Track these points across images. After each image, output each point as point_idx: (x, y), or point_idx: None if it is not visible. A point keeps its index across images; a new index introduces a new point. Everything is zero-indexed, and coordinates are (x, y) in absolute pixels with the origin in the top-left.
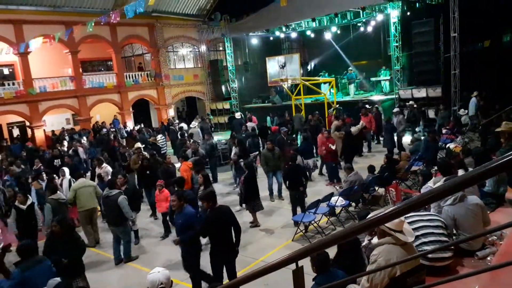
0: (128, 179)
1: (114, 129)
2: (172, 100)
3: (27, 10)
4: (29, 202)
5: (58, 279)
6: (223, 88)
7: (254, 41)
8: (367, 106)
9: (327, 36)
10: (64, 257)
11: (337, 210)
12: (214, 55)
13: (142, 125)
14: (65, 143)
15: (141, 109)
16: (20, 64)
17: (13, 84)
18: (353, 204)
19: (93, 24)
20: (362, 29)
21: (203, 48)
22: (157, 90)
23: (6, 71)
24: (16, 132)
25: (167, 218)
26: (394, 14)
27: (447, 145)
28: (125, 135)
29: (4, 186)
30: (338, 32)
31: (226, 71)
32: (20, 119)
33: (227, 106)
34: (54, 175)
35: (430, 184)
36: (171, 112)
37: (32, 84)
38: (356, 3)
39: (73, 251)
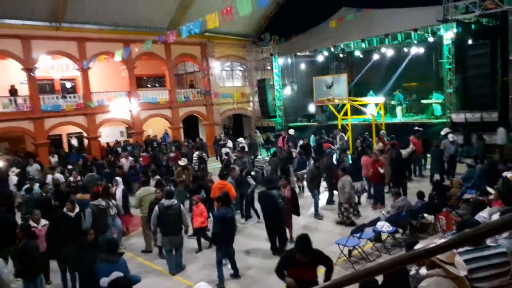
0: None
1: (164, 143)
2: (220, 117)
3: (90, 29)
4: (76, 210)
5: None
6: (269, 106)
7: (302, 60)
8: (417, 128)
9: (376, 56)
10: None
11: (383, 236)
12: (262, 74)
13: (190, 140)
14: (123, 154)
15: (191, 125)
16: (81, 78)
17: (74, 97)
18: (400, 230)
19: (151, 42)
20: (413, 50)
21: (252, 67)
22: (206, 107)
23: (68, 85)
24: (74, 142)
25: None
26: (448, 35)
27: (503, 174)
28: (174, 149)
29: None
30: (388, 52)
31: (272, 90)
32: (78, 130)
33: (272, 124)
34: (110, 184)
35: (484, 214)
36: (219, 129)
37: (90, 97)
38: (407, 25)
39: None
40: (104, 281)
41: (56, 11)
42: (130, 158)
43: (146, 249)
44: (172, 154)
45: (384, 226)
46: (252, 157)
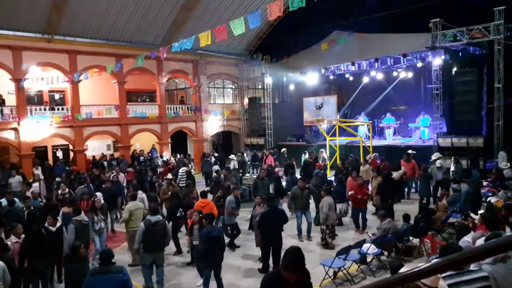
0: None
1: (150, 158)
2: (209, 133)
3: (82, 42)
4: (58, 224)
5: None
6: (259, 124)
7: (292, 80)
8: (410, 152)
9: (366, 79)
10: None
11: (369, 258)
12: (253, 93)
13: (180, 156)
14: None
15: (179, 141)
16: (70, 91)
17: (63, 109)
18: (386, 253)
19: (143, 58)
20: (402, 74)
21: (243, 85)
22: (196, 123)
23: (57, 96)
24: (59, 154)
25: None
26: (436, 62)
27: (488, 199)
28: (160, 164)
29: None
30: (377, 76)
31: (263, 108)
32: (64, 142)
33: (261, 141)
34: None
35: (468, 239)
36: (207, 145)
37: (79, 110)
38: (397, 50)
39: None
40: None
41: (49, 23)
42: (114, 173)
43: (133, 263)
44: (160, 169)
45: (369, 248)
46: (241, 174)
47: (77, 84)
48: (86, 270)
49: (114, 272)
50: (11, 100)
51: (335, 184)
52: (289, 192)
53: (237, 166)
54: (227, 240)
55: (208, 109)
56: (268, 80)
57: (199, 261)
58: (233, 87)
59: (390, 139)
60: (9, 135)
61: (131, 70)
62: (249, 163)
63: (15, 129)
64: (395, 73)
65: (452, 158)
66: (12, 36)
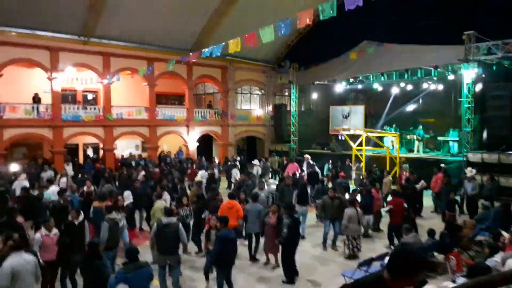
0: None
1: (179, 159)
2: (235, 138)
3: (116, 45)
4: (80, 218)
5: None
6: (284, 131)
7: (319, 89)
8: (442, 166)
9: (395, 90)
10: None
11: None
12: (279, 99)
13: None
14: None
15: (205, 144)
16: (103, 91)
17: (95, 109)
18: None
19: (174, 63)
20: (432, 86)
21: (269, 91)
22: (222, 128)
23: (90, 96)
24: (90, 152)
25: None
26: (468, 75)
27: None
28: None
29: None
30: (407, 87)
31: (288, 115)
32: (95, 140)
33: (285, 148)
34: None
35: (497, 259)
36: (232, 150)
37: (110, 110)
38: (428, 62)
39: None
40: None
41: (86, 26)
42: (142, 173)
43: (154, 261)
44: (188, 171)
45: None
46: (263, 180)
47: (109, 85)
48: (102, 266)
49: (144, 266)
50: (46, 98)
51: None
52: (317, 201)
53: (260, 172)
54: (243, 249)
55: (234, 114)
56: (295, 88)
57: (209, 263)
58: (260, 93)
59: (420, 151)
60: (43, 131)
61: (162, 73)
62: (270, 170)
63: (50, 126)
64: (425, 85)
65: (487, 175)
66: (50, 38)
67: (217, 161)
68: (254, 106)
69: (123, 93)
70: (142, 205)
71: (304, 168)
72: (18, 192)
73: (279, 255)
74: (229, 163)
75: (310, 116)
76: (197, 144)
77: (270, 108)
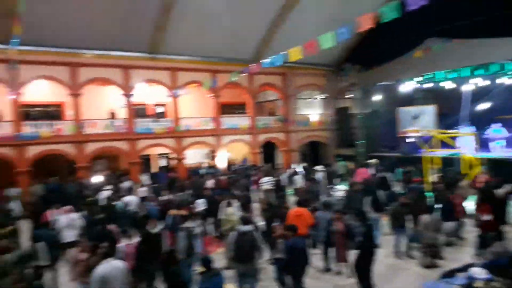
0: None
1: (244, 167)
2: (297, 143)
3: (182, 59)
4: (159, 228)
5: None
6: (348, 135)
7: (383, 90)
8: None
9: (466, 87)
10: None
11: (477, 283)
12: (342, 103)
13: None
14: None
15: (269, 151)
16: (172, 104)
17: (165, 121)
18: (497, 279)
19: (237, 74)
20: (508, 81)
21: (331, 95)
22: (285, 134)
23: (160, 110)
24: (162, 162)
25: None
26: None
27: None
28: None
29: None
30: (480, 83)
31: (352, 118)
32: (166, 151)
33: (351, 152)
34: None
35: None
36: (296, 155)
37: (179, 122)
38: (502, 55)
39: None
40: None
41: (154, 44)
42: (211, 181)
43: (228, 266)
44: (253, 178)
45: (479, 273)
46: (330, 187)
47: (177, 98)
48: (179, 272)
49: (218, 274)
50: (122, 113)
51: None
52: (387, 208)
53: (324, 178)
54: (316, 258)
55: (296, 120)
56: (357, 90)
57: (280, 273)
58: (321, 97)
59: (501, 151)
60: (120, 144)
61: (225, 84)
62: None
63: (125, 139)
64: (499, 80)
65: None
66: (122, 57)
67: (281, 168)
68: (315, 110)
69: (190, 105)
70: (213, 212)
71: (373, 173)
72: (103, 202)
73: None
74: (293, 169)
75: (375, 118)
76: (261, 151)
77: (332, 112)
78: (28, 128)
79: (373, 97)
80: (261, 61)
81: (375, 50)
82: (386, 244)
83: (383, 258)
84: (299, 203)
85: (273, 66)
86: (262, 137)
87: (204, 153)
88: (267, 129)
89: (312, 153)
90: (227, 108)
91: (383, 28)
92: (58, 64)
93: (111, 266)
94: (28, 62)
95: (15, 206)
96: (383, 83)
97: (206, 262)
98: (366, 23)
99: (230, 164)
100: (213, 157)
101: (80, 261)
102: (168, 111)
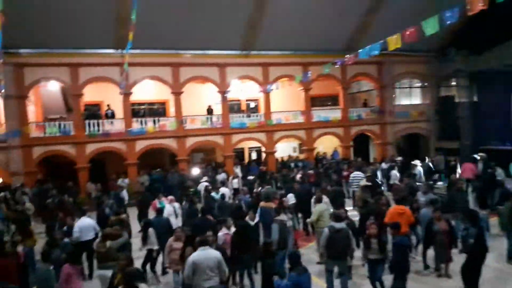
0: None
1: (333, 161)
2: (394, 136)
3: (273, 55)
4: (256, 220)
5: None
6: (452, 126)
7: (494, 76)
8: None
9: None
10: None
11: None
12: (445, 91)
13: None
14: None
15: (361, 144)
16: (264, 99)
17: (257, 116)
18: None
19: (330, 66)
20: None
21: (432, 84)
22: (380, 126)
23: (252, 105)
24: (254, 155)
25: None
26: None
27: None
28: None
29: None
30: None
31: (457, 108)
32: (257, 144)
33: (454, 145)
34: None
35: None
36: (391, 149)
37: (270, 116)
38: None
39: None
40: None
41: (247, 41)
42: (299, 174)
43: (320, 261)
44: (345, 173)
45: None
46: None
47: (268, 93)
48: (274, 264)
49: (307, 271)
50: (217, 109)
51: None
52: (500, 207)
53: (422, 173)
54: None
55: (393, 111)
56: (463, 77)
57: (373, 273)
58: (421, 86)
59: None
60: (216, 139)
61: (316, 77)
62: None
63: (221, 134)
64: None
65: None
66: (218, 55)
67: (375, 162)
68: (415, 100)
69: (280, 99)
70: (303, 207)
71: (480, 168)
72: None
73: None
74: (388, 164)
75: (483, 108)
76: (353, 144)
77: (434, 101)
78: (136, 124)
79: (482, 84)
80: (357, 51)
81: (484, 33)
82: (495, 247)
83: (492, 262)
84: (399, 201)
85: (370, 56)
86: (355, 130)
87: (294, 147)
88: (360, 121)
89: (410, 146)
90: (318, 101)
91: (493, 8)
92: (162, 65)
93: (205, 255)
94: (136, 64)
95: (126, 195)
96: (493, 68)
97: (295, 258)
98: (477, 5)
99: (320, 158)
100: (303, 151)
101: (175, 249)
102: (259, 105)
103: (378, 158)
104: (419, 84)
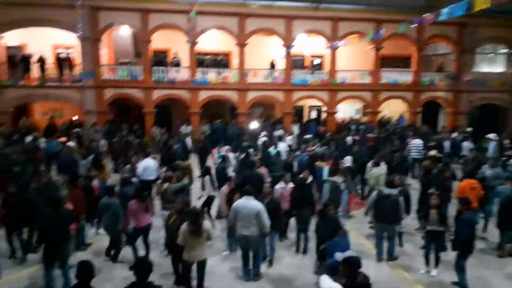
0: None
1: (399, 126)
2: (469, 105)
3: (344, 9)
4: (310, 179)
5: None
6: None
7: None
8: None
9: None
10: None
11: None
12: None
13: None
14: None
15: (430, 111)
16: (329, 56)
17: (320, 73)
18: None
19: (406, 25)
20: None
21: None
22: (454, 94)
23: (317, 61)
24: (313, 114)
25: None
26: None
27: None
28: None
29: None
30: None
31: None
32: (318, 103)
33: None
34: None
35: None
36: (463, 119)
37: (335, 75)
38: None
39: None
40: (339, 256)
41: None
42: (353, 137)
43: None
44: (408, 140)
45: None
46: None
47: (335, 50)
48: (329, 225)
49: (346, 235)
50: (281, 64)
51: None
52: None
53: (494, 149)
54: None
55: (471, 78)
56: None
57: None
58: (508, 53)
59: None
60: (276, 94)
61: (389, 35)
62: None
63: (282, 90)
64: None
65: None
66: (286, 7)
67: (443, 131)
68: (497, 68)
69: (347, 57)
70: (360, 170)
71: None
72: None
73: None
74: (461, 134)
75: None
76: (421, 111)
77: None
78: (200, 74)
79: None
80: (437, 10)
81: None
82: None
83: None
84: (469, 174)
85: (452, 16)
86: (425, 95)
87: (357, 108)
88: (432, 86)
89: (486, 118)
90: (387, 61)
91: None
92: (229, 15)
93: (246, 204)
94: (204, 13)
95: (190, 142)
96: None
97: (335, 222)
98: None
99: (384, 122)
100: (366, 114)
101: (224, 194)
102: (324, 63)
103: (447, 128)
104: (504, 51)
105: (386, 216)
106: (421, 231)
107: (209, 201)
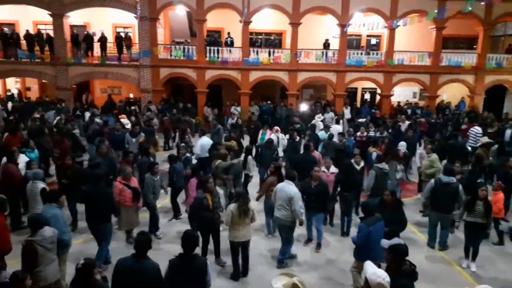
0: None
1: (458, 112)
2: None
3: None
4: (362, 164)
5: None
6: None
7: None
8: None
9: None
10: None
11: None
12: None
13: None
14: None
15: (495, 96)
16: (387, 36)
17: (377, 54)
18: None
19: (474, 2)
20: None
21: None
22: None
23: (373, 41)
24: (367, 97)
25: None
26: None
27: None
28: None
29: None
30: None
31: None
32: (373, 86)
33: None
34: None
35: None
36: None
37: (392, 56)
38: None
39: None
40: (385, 243)
41: None
42: (407, 122)
43: (423, 211)
44: (463, 127)
45: None
46: None
47: (394, 30)
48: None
49: (381, 220)
50: (335, 44)
51: None
52: None
53: None
54: None
55: None
56: None
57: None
58: None
59: None
60: (329, 75)
61: (454, 14)
62: None
63: (334, 71)
64: None
65: None
66: None
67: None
68: None
69: (406, 37)
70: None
71: None
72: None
73: None
74: None
75: None
76: (485, 95)
77: None
78: (252, 54)
79: None
80: None
81: None
82: None
83: None
84: None
85: None
86: (490, 79)
87: (414, 92)
88: (500, 69)
89: None
90: (450, 42)
91: None
92: None
93: (284, 187)
94: None
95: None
96: None
97: (367, 208)
98: None
99: (443, 107)
100: (424, 97)
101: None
102: (381, 43)
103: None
104: None
105: (443, 205)
106: (458, 221)
107: (246, 181)
